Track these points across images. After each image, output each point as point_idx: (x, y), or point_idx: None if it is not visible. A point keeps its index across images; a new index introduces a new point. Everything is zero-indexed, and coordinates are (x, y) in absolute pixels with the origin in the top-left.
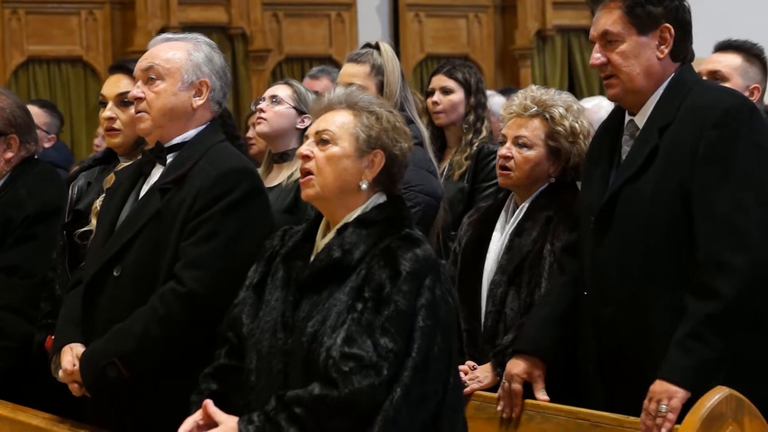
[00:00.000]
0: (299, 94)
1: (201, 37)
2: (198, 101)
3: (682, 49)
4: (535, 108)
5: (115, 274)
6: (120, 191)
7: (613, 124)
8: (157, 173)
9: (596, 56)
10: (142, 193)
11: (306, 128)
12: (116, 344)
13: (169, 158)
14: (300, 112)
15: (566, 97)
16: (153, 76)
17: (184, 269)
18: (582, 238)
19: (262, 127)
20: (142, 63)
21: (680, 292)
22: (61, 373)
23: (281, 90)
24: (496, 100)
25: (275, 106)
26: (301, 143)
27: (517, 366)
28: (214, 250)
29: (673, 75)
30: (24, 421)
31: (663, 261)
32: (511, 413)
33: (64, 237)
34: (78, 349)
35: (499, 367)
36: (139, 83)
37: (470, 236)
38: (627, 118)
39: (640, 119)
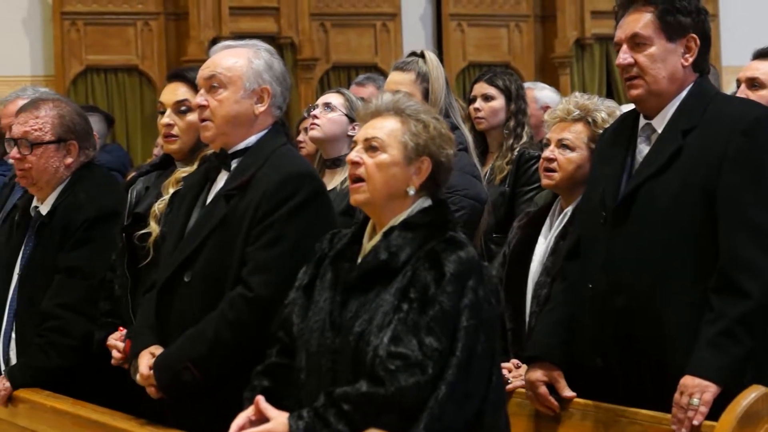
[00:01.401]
0: (351, 102)
1: (261, 44)
2: (260, 108)
3: (703, 61)
4: (578, 112)
5: (185, 279)
6: (188, 197)
7: (624, 128)
8: (222, 179)
9: (624, 56)
10: (209, 198)
11: None
12: (189, 349)
13: (234, 164)
14: (351, 120)
15: (609, 103)
16: (215, 85)
17: (251, 274)
18: (587, 234)
19: (315, 133)
20: (204, 71)
21: (698, 288)
22: (138, 376)
23: (334, 98)
24: (545, 93)
25: (328, 113)
26: (351, 150)
27: (534, 373)
28: (279, 254)
29: (693, 83)
30: (83, 415)
31: (681, 256)
32: (551, 411)
33: (123, 239)
34: (156, 352)
35: None
36: (202, 91)
37: (518, 239)
38: (642, 121)
39: (659, 122)
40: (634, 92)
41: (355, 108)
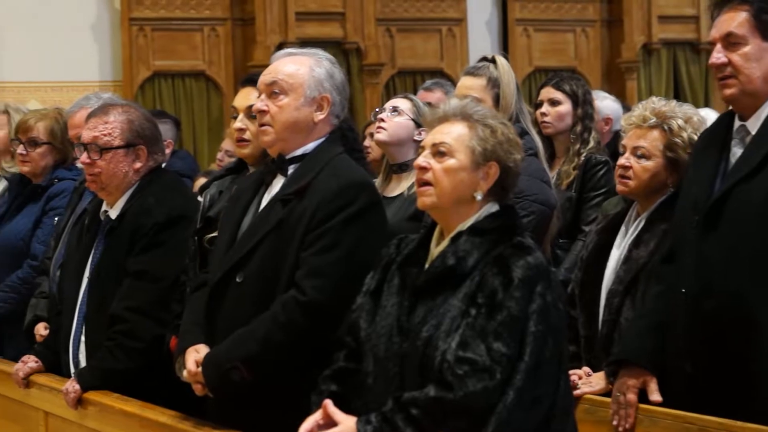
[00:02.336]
0: (418, 107)
1: (322, 53)
2: (319, 116)
3: None
4: (654, 119)
5: (237, 280)
6: (242, 200)
7: (720, 130)
8: (278, 184)
9: (717, 56)
10: (264, 202)
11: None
12: (239, 348)
13: (290, 170)
14: (418, 125)
15: (686, 109)
16: (276, 91)
17: (305, 278)
18: (680, 237)
19: (380, 136)
20: (265, 77)
21: None
22: (185, 373)
23: (401, 102)
24: (606, 104)
25: (395, 116)
26: (418, 154)
27: (630, 376)
28: (333, 260)
29: None
30: (151, 418)
31: None
32: (625, 424)
33: (195, 242)
34: (202, 350)
35: (612, 376)
36: (263, 97)
37: (594, 244)
38: (737, 123)
39: (753, 124)
40: (728, 92)
41: (422, 113)
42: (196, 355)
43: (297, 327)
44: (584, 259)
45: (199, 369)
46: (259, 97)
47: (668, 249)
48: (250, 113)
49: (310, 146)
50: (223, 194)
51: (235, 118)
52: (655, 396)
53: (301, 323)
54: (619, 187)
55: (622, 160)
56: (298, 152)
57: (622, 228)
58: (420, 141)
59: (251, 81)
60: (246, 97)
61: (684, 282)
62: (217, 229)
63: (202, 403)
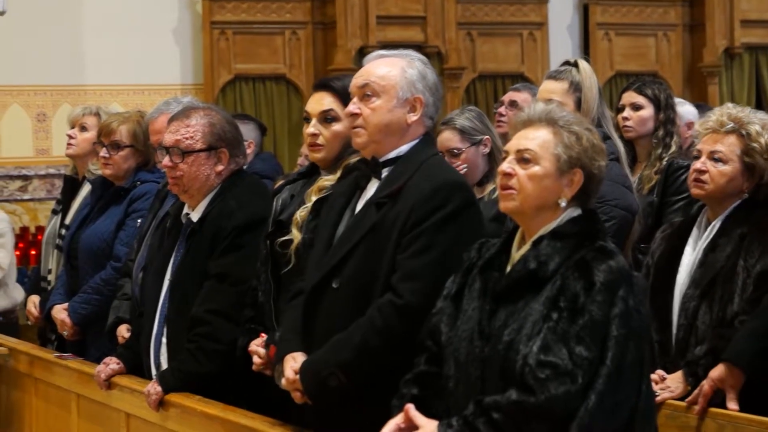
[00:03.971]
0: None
1: (414, 54)
2: (412, 117)
3: None
4: (732, 124)
5: (334, 286)
6: (338, 204)
7: None
8: (372, 187)
9: None
10: (359, 206)
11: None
12: (336, 354)
13: (384, 172)
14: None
15: (762, 115)
16: (369, 93)
17: (401, 281)
18: None
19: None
20: (357, 80)
21: None
22: (283, 381)
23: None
24: (686, 109)
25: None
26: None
27: (716, 371)
28: (429, 262)
29: None
30: (233, 420)
31: None
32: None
33: (267, 246)
34: (299, 358)
35: (691, 377)
36: (355, 99)
37: (663, 250)
38: None
39: None
40: None
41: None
42: (293, 362)
43: (394, 331)
44: (652, 265)
45: (297, 377)
46: (351, 100)
47: None
48: (323, 118)
49: (404, 148)
50: (295, 198)
51: (308, 122)
52: (732, 404)
53: (398, 327)
54: (694, 191)
55: (697, 164)
56: (392, 155)
57: (694, 232)
58: (486, 153)
59: (323, 86)
60: (318, 102)
61: None
62: (288, 233)
63: (278, 406)
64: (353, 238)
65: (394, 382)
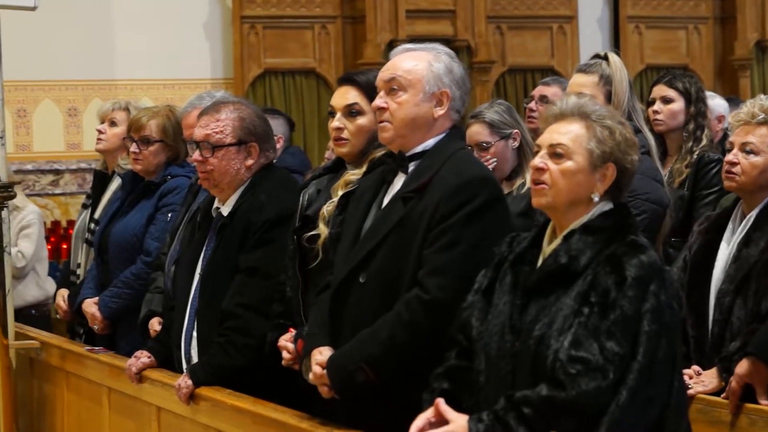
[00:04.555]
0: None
1: (441, 47)
2: (439, 111)
3: None
4: (763, 116)
5: (360, 280)
6: (364, 199)
7: None
8: (399, 181)
9: None
10: (385, 201)
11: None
12: (362, 349)
13: (411, 166)
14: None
15: None
16: (395, 87)
17: (428, 277)
18: None
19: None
20: (384, 74)
21: None
22: (311, 375)
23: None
24: (717, 102)
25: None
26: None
27: (741, 367)
28: (456, 257)
29: None
30: (264, 414)
31: None
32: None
33: (294, 241)
34: (326, 353)
35: (725, 373)
36: (382, 93)
37: (699, 244)
38: None
39: None
40: None
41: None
42: (319, 357)
43: (420, 326)
44: (689, 260)
45: (324, 371)
46: (378, 93)
47: None
48: (348, 112)
49: (431, 142)
50: (321, 193)
51: (333, 116)
52: (762, 399)
53: (425, 323)
54: (726, 183)
55: (729, 156)
56: (419, 149)
57: (729, 226)
58: (516, 147)
59: (348, 80)
60: (343, 96)
61: None
62: (314, 228)
63: (306, 401)
64: (380, 233)
65: (421, 377)
